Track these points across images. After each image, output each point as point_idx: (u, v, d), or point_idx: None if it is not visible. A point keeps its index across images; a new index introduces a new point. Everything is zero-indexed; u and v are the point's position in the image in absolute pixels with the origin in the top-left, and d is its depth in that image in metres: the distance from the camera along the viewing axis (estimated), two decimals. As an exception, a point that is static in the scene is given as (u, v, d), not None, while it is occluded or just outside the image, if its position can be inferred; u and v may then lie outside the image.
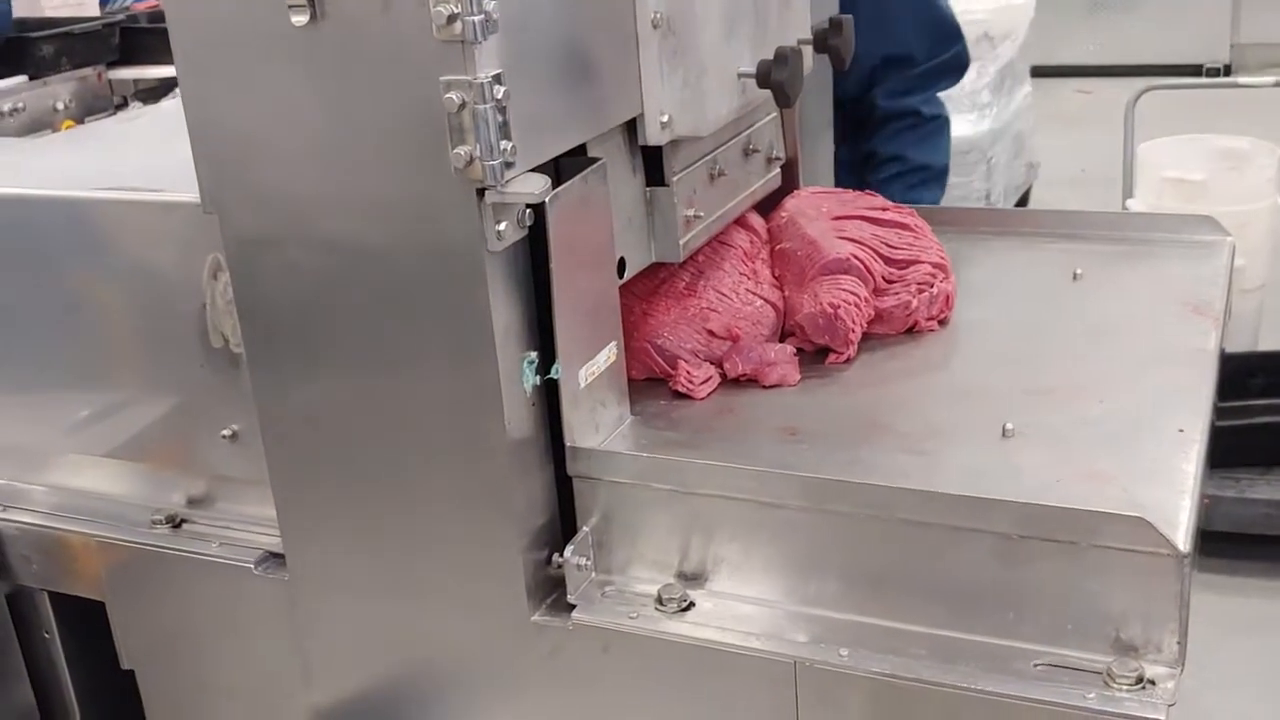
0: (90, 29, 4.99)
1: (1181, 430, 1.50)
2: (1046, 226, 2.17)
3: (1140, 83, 8.57)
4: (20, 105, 4.81)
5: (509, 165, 1.33)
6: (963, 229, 2.19)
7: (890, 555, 1.40)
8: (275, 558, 1.67)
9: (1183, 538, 1.28)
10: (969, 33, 5.78)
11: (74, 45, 4.90)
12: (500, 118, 1.30)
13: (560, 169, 1.47)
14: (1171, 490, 1.37)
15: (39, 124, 4.95)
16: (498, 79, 1.29)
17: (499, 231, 1.37)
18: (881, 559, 1.40)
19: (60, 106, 4.98)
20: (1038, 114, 6.33)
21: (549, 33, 1.41)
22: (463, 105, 1.29)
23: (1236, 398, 3.71)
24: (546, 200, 1.38)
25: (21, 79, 4.81)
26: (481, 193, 1.34)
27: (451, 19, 1.25)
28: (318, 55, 1.35)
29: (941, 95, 2.94)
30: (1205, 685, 2.83)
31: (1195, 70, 8.85)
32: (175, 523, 1.76)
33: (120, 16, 5.21)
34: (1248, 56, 8.92)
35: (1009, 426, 1.52)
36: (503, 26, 1.29)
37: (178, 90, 4.18)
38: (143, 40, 5.17)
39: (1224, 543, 3.51)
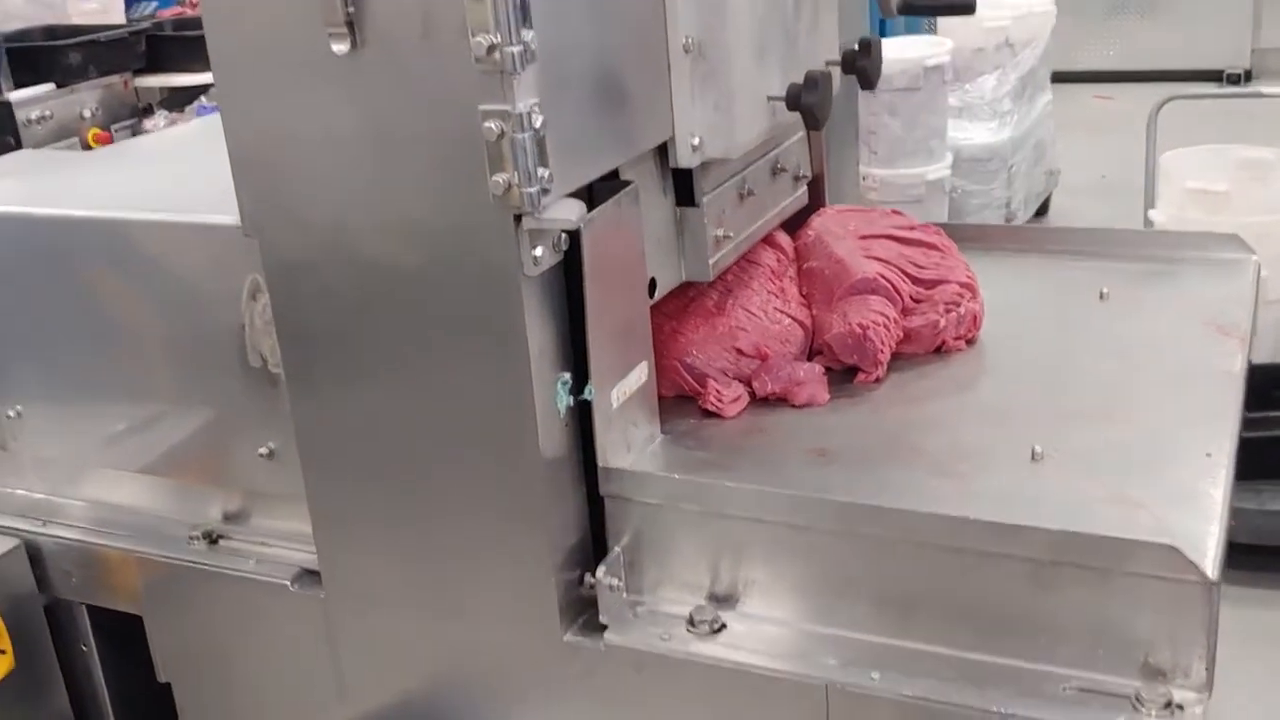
0: (117, 37, 5.04)
1: (1209, 455, 1.51)
2: (1072, 244, 2.18)
3: (1160, 89, 8.54)
4: (48, 113, 4.86)
5: (545, 192, 1.35)
6: (988, 246, 2.20)
7: (921, 579, 1.41)
8: (310, 574, 1.69)
9: (1211, 565, 1.29)
10: (990, 40, 5.83)
11: (101, 53, 4.96)
12: (538, 146, 1.32)
13: (593, 192, 1.49)
14: (1200, 516, 1.38)
15: (66, 131, 5.00)
16: (535, 108, 1.31)
17: (535, 257, 1.38)
18: (913, 582, 1.42)
19: (87, 114, 5.03)
20: (1056, 120, 6.32)
21: (584, 60, 1.43)
22: (501, 134, 1.31)
23: (1260, 409, 3.69)
24: (581, 225, 1.40)
25: (49, 87, 4.86)
26: (518, 218, 1.36)
27: (491, 49, 1.27)
28: (357, 82, 1.37)
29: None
30: (1226, 698, 2.82)
31: (1216, 76, 8.81)
32: (212, 539, 1.79)
33: (146, 25, 5.27)
34: (1269, 62, 8.87)
35: (1038, 449, 1.53)
36: (540, 56, 1.31)
37: (202, 99, 4.24)
38: (168, 48, 5.23)
39: (1245, 554, 3.50)
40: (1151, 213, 4.06)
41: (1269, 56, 8.84)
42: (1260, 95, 4.18)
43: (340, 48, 1.34)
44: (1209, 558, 1.30)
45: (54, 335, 1.79)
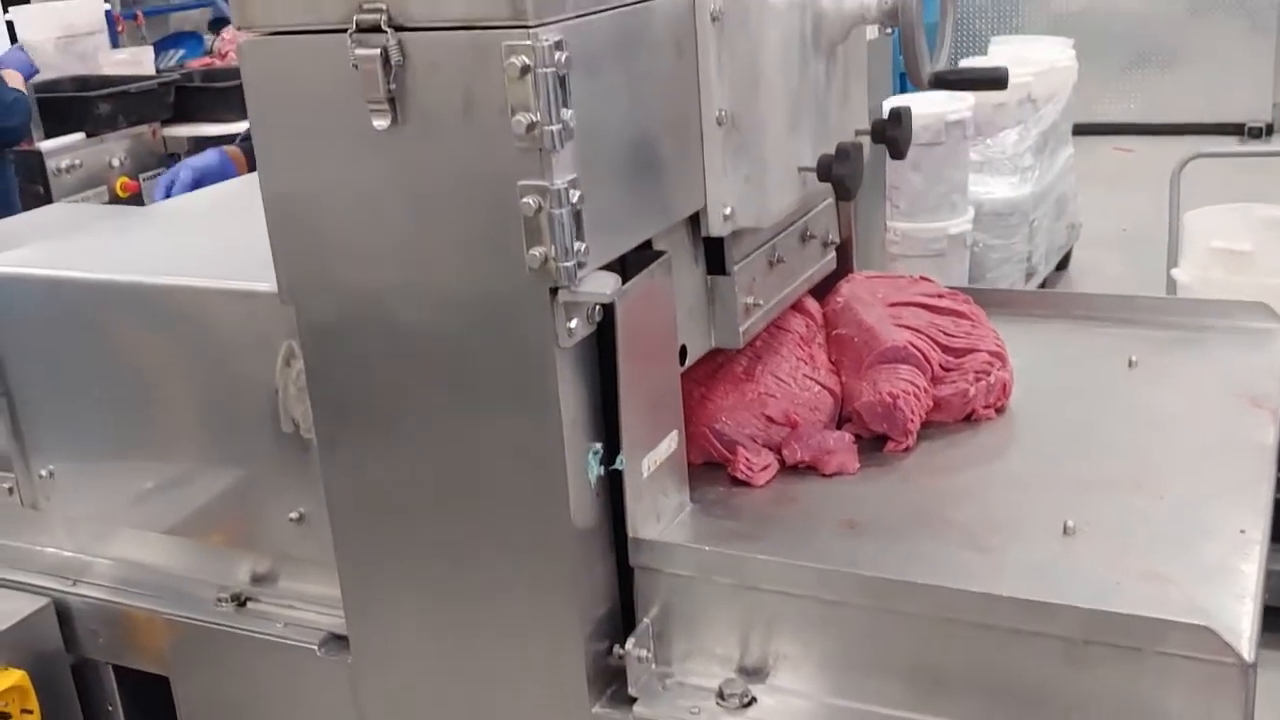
0: (146, 88, 5.13)
1: (1243, 531, 1.50)
2: (1098, 310, 2.18)
3: (1181, 142, 8.57)
4: (77, 162, 4.96)
5: (581, 265, 1.36)
6: (1015, 311, 2.21)
7: (953, 655, 1.40)
8: (338, 639, 1.69)
9: (1247, 647, 1.28)
10: (1012, 95, 5.86)
11: (130, 104, 5.06)
12: (575, 221, 1.33)
13: (626, 263, 1.50)
14: (1234, 595, 1.38)
15: (95, 180, 5.09)
16: (573, 183, 1.33)
17: (570, 329, 1.39)
18: (944, 658, 1.41)
19: (115, 163, 5.13)
20: (1077, 172, 6.33)
21: (621, 134, 1.44)
22: (539, 209, 1.32)
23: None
24: (615, 299, 1.41)
25: (79, 136, 4.95)
26: (554, 291, 1.37)
27: (531, 127, 1.29)
28: (397, 155, 1.39)
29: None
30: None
31: (1237, 130, 8.83)
32: (240, 601, 1.79)
33: (175, 75, 5.35)
34: (1291, 115, 8.90)
35: (1070, 523, 1.52)
36: (578, 132, 1.33)
37: (223, 150, 4.22)
38: (197, 98, 5.33)
39: (1274, 616, 3.47)
40: (1175, 271, 4.06)
41: (1290, 111, 8.87)
42: (1283, 154, 4.17)
43: (381, 123, 1.36)
44: (1244, 639, 1.30)
45: (88, 396, 1.80)
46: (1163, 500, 1.59)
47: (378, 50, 1.33)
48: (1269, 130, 8.82)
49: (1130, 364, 1.97)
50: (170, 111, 5.17)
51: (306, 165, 1.45)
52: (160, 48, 7.01)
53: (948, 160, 5.04)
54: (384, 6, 1.33)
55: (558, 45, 1.28)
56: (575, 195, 1.33)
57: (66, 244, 1.93)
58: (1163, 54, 9.11)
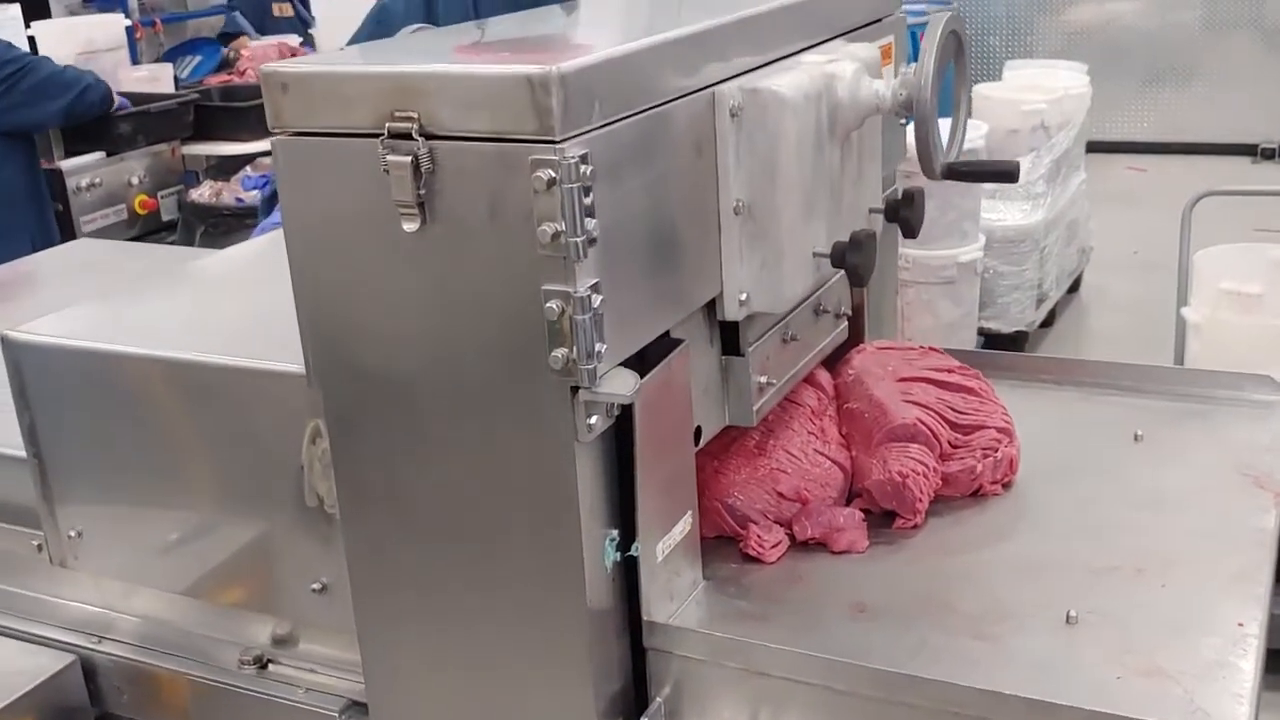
0: (165, 107, 5.18)
1: (1241, 624, 1.54)
2: (1106, 378, 2.21)
3: (1194, 162, 8.60)
4: (97, 180, 5.02)
5: (601, 360, 1.40)
6: (1024, 376, 2.25)
7: (957, 747, 1.45)
8: (358, 706, 1.74)
9: (1243, 752, 1.32)
10: (1025, 123, 5.88)
11: (150, 123, 5.12)
12: (596, 325, 1.37)
13: (645, 353, 1.54)
14: (1231, 695, 1.42)
15: (114, 198, 5.14)
16: (595, 288, 1.37)
17: (590, 425, 1.44)
18: (948, 750, 1.45)
19: (135, 181, 5.18)
20: (1089, 190, 6.36)
21: (642, 233, 1.48)
22: (562, 313, 1.36)
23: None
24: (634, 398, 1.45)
25: (99, 155, 5.01)
26: (575, 389, 1.41)
27: (556, 236, 1.33)
28: (425, 256, 1.43)
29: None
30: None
31: (1250, 150, 8.85)
32: (262, 664, 1.84)
33: (194, 95, 5.40)
34: (1303, 138, 8.92)
35: (1072, 613, 1.56)
36: (600, 238, 1.37)
37: (247, 169, 4.31)
38: (216, 117, 5.38)
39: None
40: (1185, 310, 4.09)
41: (1303, 132, 8.88)
42: (1294, 194, 4.20)
43: (410, 226, 1.41)
44: (1240, 743, 1.34)
45: (117, 462, 1.85)
46: (1164, 589, 1.63)
47: (409, 157, 1.37)
48: (1281, 152, 8.84)
49: (1136, 438, 2.01)
50: (190, 130, 5.22)
51: (336, 259, 1.49)
52: (177, 53, 7.05)
53: (959, 187, 5.07)
54: (416, 115, 1.37)
55: (583, 159, 1.32)
56: (597, 300, 1.37)
57: (101, 311, 1.98)
58: (1178, 73, 9.14)
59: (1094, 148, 6.96)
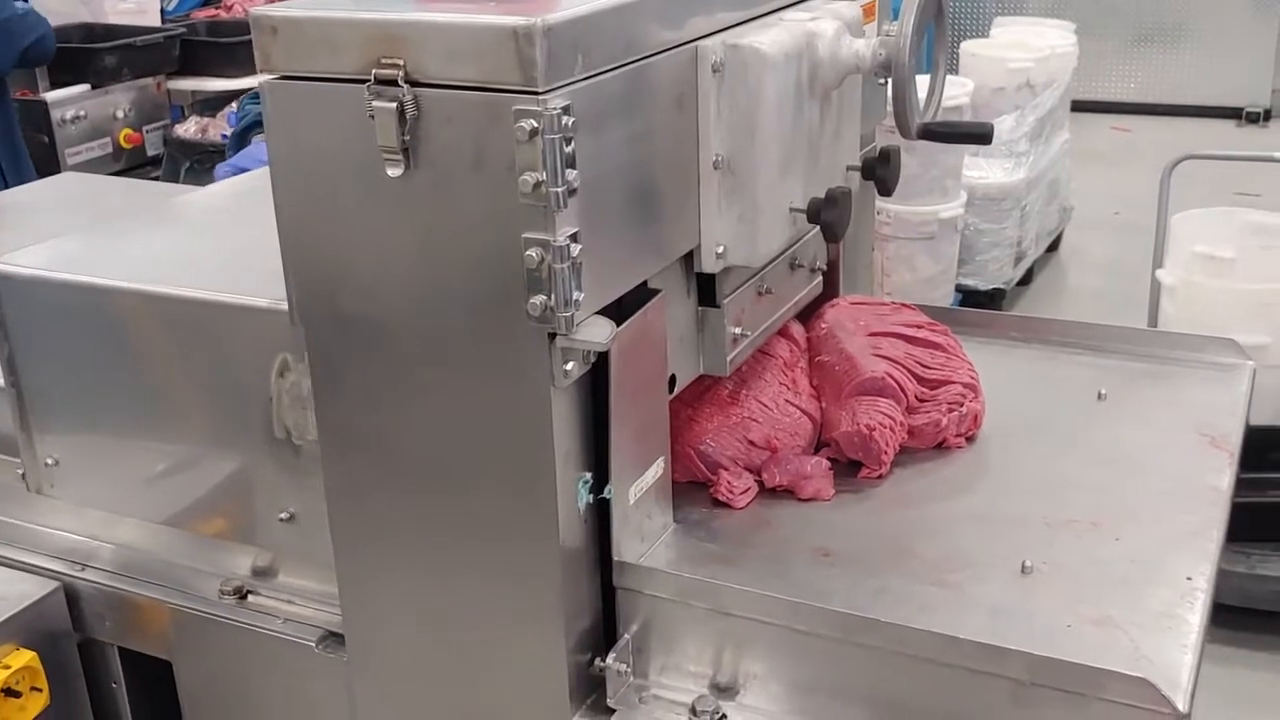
0: (151, 41, 5.16)
1: (1189, 578, 1.60)
2: (1073, 337, 2.26)
3: (1179, 124, 8.62)
4: (82, 113, 5.00)
5: (579, 308, 1.44)
6: (993, 333, 2.29)
7: (913, 688, 1.50)
8: (335, 636, 1.79)
9: (1183, 699, 1.38)
10: (1011, 80, 5.89)
11: (135, 56, 5.10)
12: (574, 273, 1.41)
13: (622, 302, 1.58)
14: (1176, 645, 1.48)
15: (99, 131, 5.13)
16: (574, 237, 1.41)
17: (566, 371, 1.48)
18: (904, 691, 1.51)
19: (120, 115, 5.17)
20: (1073, 149, 6.39)
21: (622, 184, 1.51)
22: (541, 260, 1.40)
23: (1256, 471, 3.78)
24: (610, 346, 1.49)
25: (84, 88, 4.99)
26: (552, 336, 1.45)
27: (537, 185, 1.36)
28: (408, 202, 1.46)
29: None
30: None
31: (1235, 113, 8.89)
32: (241, 594, 1.88)
33: (181, 29, 5.37)
34: (1289, 103, 8.95)
35: (1028, 563, 1.62)
36: (581, 186, 1.40)
37: (232, 106, 4.32)
38: (202, 52, 5.36)
39: (1231, 614, 3.59)
40: (1160, 273, 4.14)
41: (1289, 98, 8.92)
42: (1274, 160, 4.24)
43: (394, 171, 1.44)
44: (1181, 690, 1.40)
45: (93, 391, 1.89)
46: (1118, 543, 1.68)
47: (394, 104, 1.40)
48: (1266, 116, 8.87)
49: (1100, 396, 2.06)
50: (176, 65, 5.20)
51: (321, 202, 1.52)
52: (166, -15, 6.98)
53: (943, 144, 5.09)
54: (402, 62, 1.40)
55: (565, 110, 1.35)
56: (576, 249, 1.40)
57: (81, 244, 2.00)
58: (1166, 34, 9.14)
59: (1079, 107, 6.99)
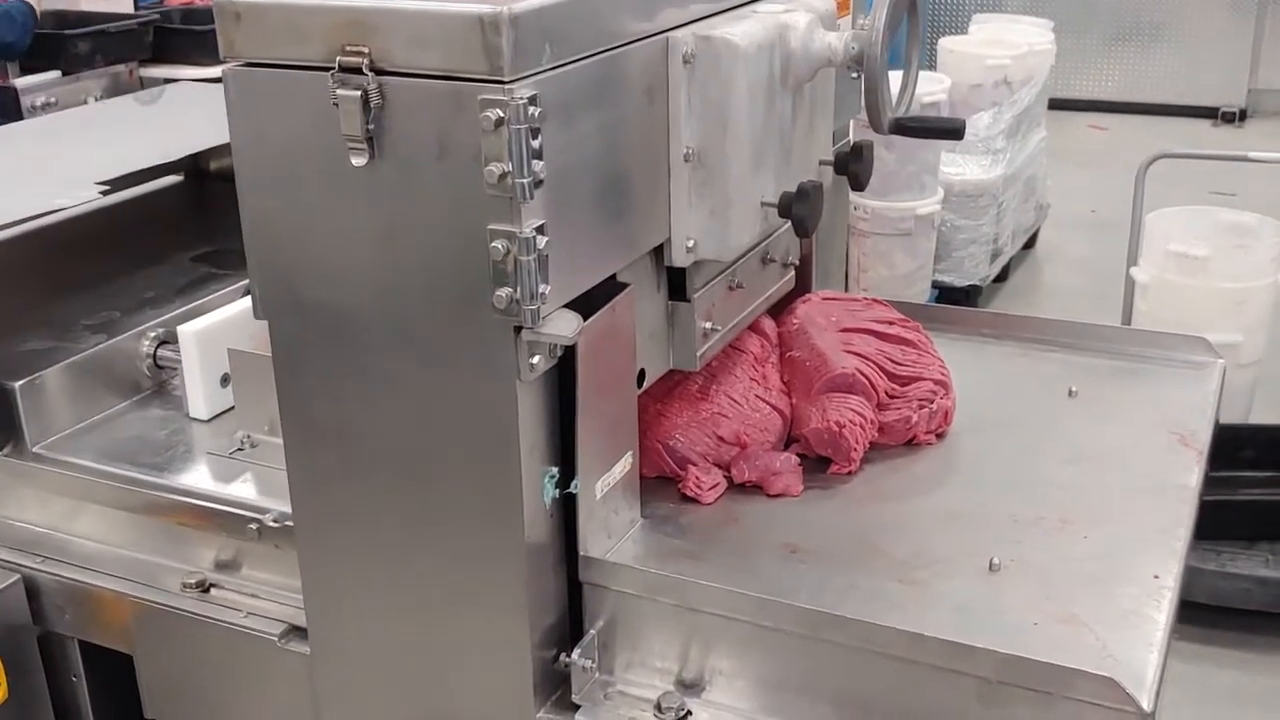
0: (124, 27, 5.10)
1: (1156, 576, 1.60)
2: (1047, 334, 2.26)
3: (1155, 123, 8.65)
4: (53, 99, 4.93)
5: (545, 301, 1.42)
6: (965, 330, 2.29)
7: (879, 685, 1.50)
8: (298, 630, 1.77)
9: (1148, 697, 1.38)
10: (988, 77, 5.89)
11: (108, 43, 5.03)
12: (540, 266, 1.39)
13: (590, 295, 1.56)
14: (1142, 643, 1.47)
15: (70, 118, 5.02)
16: (540, 229, 1.39)
17: (532, 364, 1.46)
18: (871, 688, 1.50)
19: (91, 102, 5.08)
20: (1050, 148, 6.40)
21: (590, 176, 1.50)
22: (507, 253, 1.38)
23: (1225, 469, 3.81)
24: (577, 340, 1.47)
25: (55, 74, 4.92)
26: (518, 329, 1.44)
27: (503, 177, 1.35)
28: (372, 191, 1.44)
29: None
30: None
31: (1211, 113, 8.93)
32: (204, 587, 1.86)
33: (154, 16, 5.32)
34: (1264, 103, 8.99)
35: (995, 561, 1.62)
36: (548, 177, 1.39)
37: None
38: (175, 39, 5.30)
39: (1201, 611, 3.61)
40: (1134, 270, 4.15)
41: (1264, 98, 8.97)
42: (1247, 160, 4.25)
43: (358, 160, 1.42)
44: (1146, 688, 1.39)
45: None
46: (1086, 540, 1.68)
47: (358, 92, 1.38)
48: (1242, 116, 8.91)
49: (1071, 394, 2.06)
50: (148, 52, 5.15)
51: (284, 191, 1.50)
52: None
53: (919, 140, 5.09)
54: (367, 50, 1.38)
55: (532, 100, 1.34)
56: (542, 241, 1.39)
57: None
58: (1143, 33, 9.16)
59: (1056, 105, 7.00)
